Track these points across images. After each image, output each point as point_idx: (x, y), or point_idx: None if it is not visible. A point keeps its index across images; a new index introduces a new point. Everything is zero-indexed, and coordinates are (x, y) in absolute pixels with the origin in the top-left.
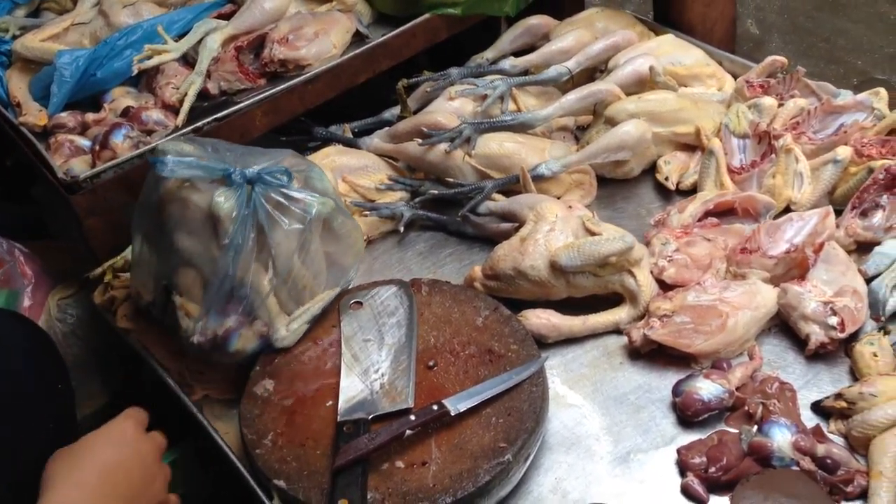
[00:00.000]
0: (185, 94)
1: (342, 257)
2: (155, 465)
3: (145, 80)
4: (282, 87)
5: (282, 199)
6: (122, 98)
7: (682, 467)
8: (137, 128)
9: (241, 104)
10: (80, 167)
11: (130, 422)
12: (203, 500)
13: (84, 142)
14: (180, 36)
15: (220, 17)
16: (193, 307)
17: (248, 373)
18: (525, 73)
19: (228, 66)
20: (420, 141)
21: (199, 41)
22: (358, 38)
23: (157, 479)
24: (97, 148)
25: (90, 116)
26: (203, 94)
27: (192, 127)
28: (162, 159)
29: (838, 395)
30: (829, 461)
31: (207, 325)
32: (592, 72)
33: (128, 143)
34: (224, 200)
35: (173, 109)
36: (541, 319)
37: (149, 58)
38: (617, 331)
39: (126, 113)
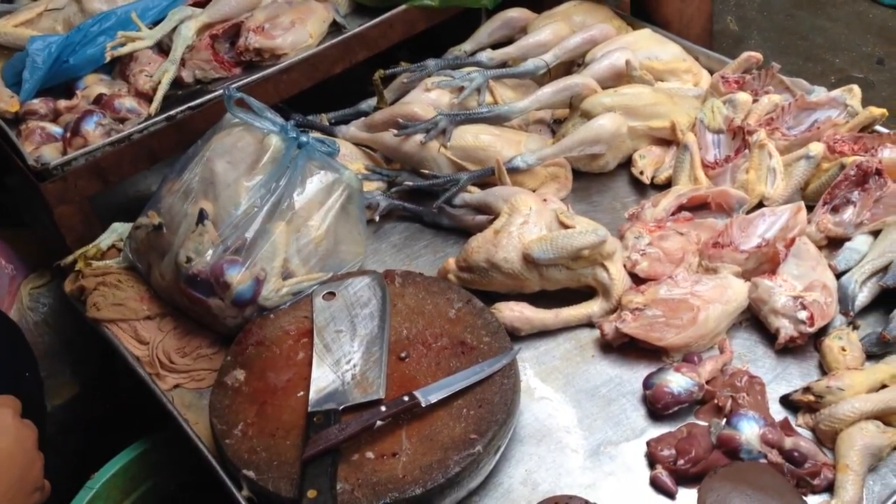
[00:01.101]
0: (159, 82)
1: (345, 246)
2: (33, 450)
3: (119, 68)
4: (257, 76)
5: (322, 163)
6: (94, 85)
7: (652, 459)
8: (110, 115)
9: (216, 93)
10: (51, 154)
11: (8, 410)
12: (174, 489)
13: (56, 129)
14: (155, 23)
15: (195, 4)
16: (213, 234)
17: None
18: (503, 65)
19: (203, 54)
20: (395, 132)
21: (174, 29)
22: (335, 28)
23: (35, 464)
24: (68, 135)
25: (62, 103)
26: (177, 83)
27: (165, 115)
28: (232, 94)
29: (806, 389)
30: (796, 454)
31: (216, 254)
32: (570, 65)
33: (99, 130)
34: (277, 140)
35: (147, 97)
36: (514, 312)
37: (122, 45)
38: (589, 324)
39: (99, 100)
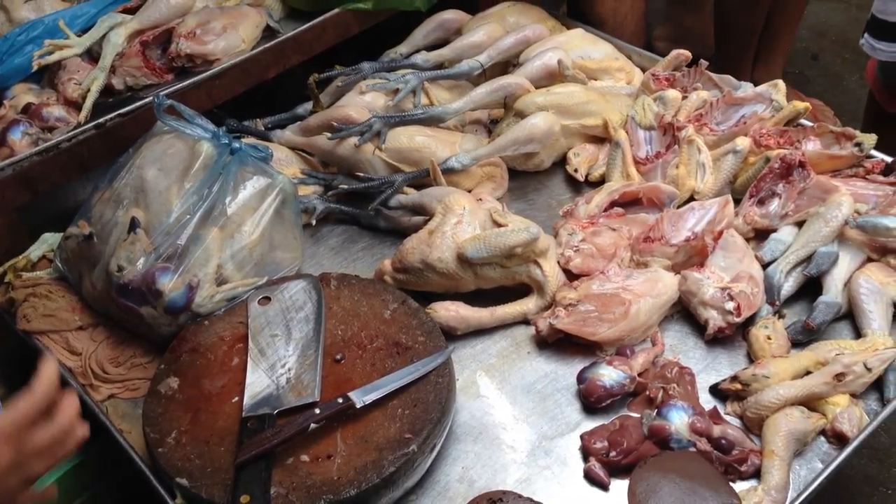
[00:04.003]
0: (88, 90)
1: (281, 251)
2: None
3: (47, 76)
4: (189, 82)
5: (255, 168)
6: (23, 94)
7: (586, 452)
8: (38, 124)
9: (146, 100)
10: None
11: None
12: (114, 500)
13: None
14: (84, 31)
15: (125, 11)
16: (145, 242)
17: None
18: (438, 67)
19: (134, 61)
20: (329, 135)
21: (103, 36)
22: (268, 32)
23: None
24: None
25: None
26: (109, 90)
27: (94, 123)
28: (162, 101)
29: (734, 378)
30: (724, 442)
31: (148, 262)
32: (506, 66)
33: (26, 140)
34: (209, 146)
35: (76, 105)
36: (449, 311)
37: (50, 53)
38: (525, 321)
39: (27, 109)
